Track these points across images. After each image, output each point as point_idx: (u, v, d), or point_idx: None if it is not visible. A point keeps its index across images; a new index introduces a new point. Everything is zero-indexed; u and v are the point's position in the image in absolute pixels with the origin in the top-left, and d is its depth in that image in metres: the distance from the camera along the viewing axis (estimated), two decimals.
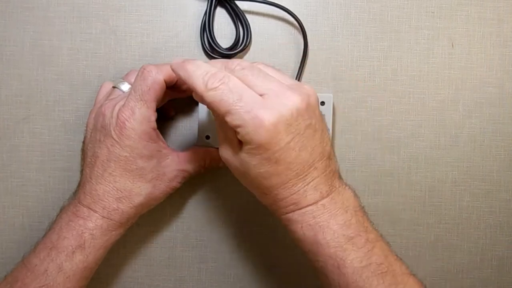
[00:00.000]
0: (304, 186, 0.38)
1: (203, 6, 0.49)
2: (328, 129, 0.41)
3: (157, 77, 0.42)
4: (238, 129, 0.36)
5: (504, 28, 0.50)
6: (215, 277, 0.51)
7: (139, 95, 0.41)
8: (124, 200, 0.42)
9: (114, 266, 0.50)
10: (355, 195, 0.41)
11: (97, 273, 0.44)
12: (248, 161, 0.38)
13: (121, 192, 0.42)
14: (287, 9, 0.48)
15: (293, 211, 0.39)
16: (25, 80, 0.49)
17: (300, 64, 0.49)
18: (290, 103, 0.37)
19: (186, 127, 0.50)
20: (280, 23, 0.50)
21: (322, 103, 0.48)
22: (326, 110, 0.48)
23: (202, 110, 0.48)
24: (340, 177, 0.41)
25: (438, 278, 0.51)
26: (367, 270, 0.38)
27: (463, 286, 0.51)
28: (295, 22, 0.49)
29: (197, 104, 0.49)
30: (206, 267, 0.51)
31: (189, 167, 0.46)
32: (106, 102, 0.44)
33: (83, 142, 0.45)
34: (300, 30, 0.49)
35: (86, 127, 0.45)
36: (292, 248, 0.51)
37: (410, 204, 0.51)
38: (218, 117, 0.40)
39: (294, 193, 0.38)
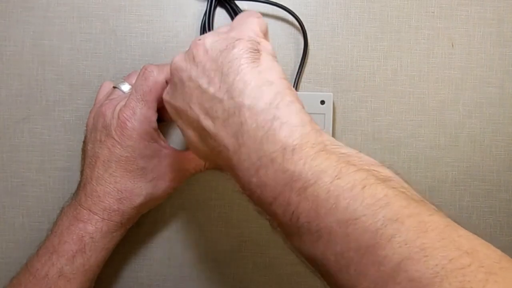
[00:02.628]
0: (217, 142, 0.33)
1: (203, 6, 0.49)
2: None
3: (158, 77, 0.42)
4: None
5: (504, 28, 0.50)
6: (215, 277, 0.51)
7: (140, 95, 0.41)
8: (124, 201, 0.42)
9: (114, 266, 0.50)
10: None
11: (97, 275, 0.44)
12: (183, 134, 0.37)
13: (122, 192, 0.42)
14: (287, 8, 0.48)
15: (252, 175, 0.31)
16: (25, 80, 0.49)
17: (300, 64, 0.49)
18: (171, 68, 0.37)
19: None
20: (280, 23, 0.50)
21: (322, 102, 0.48)
22: (326, 110, 0.48)
23: None
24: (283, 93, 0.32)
25: None
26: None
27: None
28: (295, 22, 0.49)
29: None
30: (206, 267, 0.51)
31: (189, 166, 0.46)
32: (106, 102, 0.44)
33: (83, 142, 0.45)
34: (300, 30, 0.49)
35: (86, 127, 0.45)
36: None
37: None
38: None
39: (232, 154, 0.32)
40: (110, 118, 0.42)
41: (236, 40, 0.33)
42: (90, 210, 0.42)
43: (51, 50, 0.49)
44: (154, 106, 0.42)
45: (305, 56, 0.49)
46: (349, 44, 0.50)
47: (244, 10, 0.49)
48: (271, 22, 0.50)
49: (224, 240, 0.51)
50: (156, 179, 0.44)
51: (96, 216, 0.42)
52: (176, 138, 0.50)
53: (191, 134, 0.35)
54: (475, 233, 0.53)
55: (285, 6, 0.48)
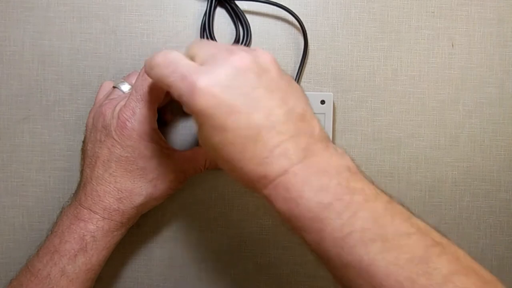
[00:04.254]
0: (268, 155, 0.33)
1: (203, 6, 0.49)
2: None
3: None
4: (180, 101, 0.34)
5: (504, 28, 0.50)
6: (215, 277, 0.51)
7: (140, 95, 0.41)
8: (124, 201, 0.42)
9: (114, 266, 0.50)
10: (343, 154, 0.35)
11: (98, 274, 0.44)
12: (201, 135, 0.34)
13: (122, 192, 0.42)
14: (287, 8, 0.48)
15: (266, 185, 0.34)
16: (25, 80, 0.49)
17: (300, 64, 0.49)
18: (227, 64, 0.33)
19: (186, 128, 0.50)
20: (280, 23, 0.50)
21: (322, 102, 0.48)
22: (326, 109, 0.48)
23: None
24: (325, 140, 0.35)
25: None
26: (349, 239, 0.32)
27: None
28: (295, 22, 0.49)
29: None
30: (206, 267, 0.51)
31: (190, 167, 0.46)
32: (106, 102, 0.44)
33: (83, 142, 0.45)
34: (300, 30, 0.49)
35: (86, 127, 0.45)
36: (292, 248, 0.51)
37: (410, 204, 0.51)
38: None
39: (259, 163, 0.33)
40: (110, 118, 0.42)
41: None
42: (90, 210, 0.42)
43: (51, 50, 0.49)
44: (154, 106, 0.42)
45: (305, 56, 0.49)
46: (349, 44, 0.50)
47: (244, 10, 0.49)
48: (271, 22, 0.50)
49: (224, 240, 0.51)
50: (156, 179, 0.44)
51: (96, 215, 0.42)
52: (176, 138, 0.50)
53: (219, 137, 0.34)
54: (475, 233, 0.53)
55: (285, 6, 0.48)
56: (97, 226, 0.42)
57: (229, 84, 0.32)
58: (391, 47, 0.50)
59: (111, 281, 0.50)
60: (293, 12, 0.48)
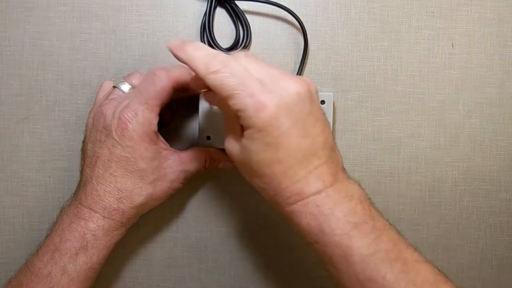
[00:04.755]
0: (307, 175, 0.37)
1: (203, 6, 0.49)
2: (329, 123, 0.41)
3: (166, 84, 0.42)
4: (240, 113, 0.36)
5: (504, 28, 0.50)
6: (215, 277, 0.51)
7: (144, 98, 0.42)
8: (124, 200, 0.42)
9: (114, 266, 0.50)
10: (360, 187, 0.40)
11: (98, 273, 0.44)
12: (249, 146, 0.37)
13: (122, 192, 0.42)
14: (287, 8, 0.48)
15: (296, 201, 0.38)
16: (25, 80, 0.49)
17: (300, 64, 0.49)
18: (291, 88, 0.36)
19: (186, 128, 0.50)
20: (280, 23, 0.50)
21: (322, 102, 0.48)
22: (326, 109, 0.48)
23: (202, 111, 0.48)
24: (344, 170, 0.40)
25: None
26: (375, 257, 0.36)
27: (463, 286, 0.51)
28: (295, 22, 0.49)
29: (197, 105, 0.49)
30: (206, 267, 0.51)
31: (190, 167, 0.46)
32: (106, 102, 0.44)
33: (83, 142, 0.45)
34: (300, 30, 0.49)
35: (86, 127, 0.45)
36: (292, 248, 0.51)
37: (410, 204, 0.51)
38: (221, 102, 0.40)
39: (296, 182, 0.37)
40: (110, 119, 0.42)
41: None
42: (90, 209, 0.42)
43: (51, 50, 0.49)
44: (157, 110, 0.42)
45: (305, 56, 0.49)
46: (349, 44, 0.50)
47: (244, 10, 0.49)
48: (271, 22, 0.50)
49: (224, 240, 0.51)
50: (157, 180, 0.44)
51: (97, 214, 0.42)
52: (176, 139, 0.50)
53: (269, 154, 0.37)
54: (475, 233, 0.53)
55: (285, 6, 0.48)
56: (97, 225, 0.42)
57: (292, 108, 0.36)
58: (391, 47, 0.50)
59: (111, 281, 0.50)
60: (293, 12, 0.48)
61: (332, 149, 0.39)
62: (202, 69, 0.36)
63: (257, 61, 0.38)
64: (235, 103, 0.36)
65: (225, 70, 0.36)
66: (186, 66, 0.39)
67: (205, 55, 0.37)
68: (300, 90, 0.37)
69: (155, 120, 0.42)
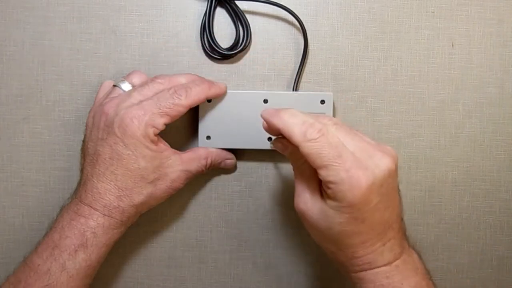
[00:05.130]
0: (381, 246, 0.38)
1: (203, 6, 0.49)
2: None
3: (185, 103, 0.43)
4: (332, 185, 0.36)
5: (504, 28, 0.50)
6: (215, 277, 0.51)
7: (158, 106, 0.42)
8: (124, 199, 0.42)
9: (114, 266, 0.50)
10: (419, 256, 0.41)
11: (97, 273, 0.44)
12: (334, 217, 0.37)
13: (122, 190, 0.42)
14: (287, 8, 0.48)
15: (366, 270, 0.39)
16: (25, 80, 0.49)
17: (300, 64, 0.49)
18: (383, 165, 0.37)
19: (187, 128, 0.50)
20: (280, 23, 0.50)
21: (322, 102, 0.48)
22: (326, 109, 0.48)
23: (202, 111, 0.48)
24: (406, 237, 0.41)
25: (438, 278, 0.51)
26: None
27: (463, 286, 0.51)
28: (295, 22, 0.49)
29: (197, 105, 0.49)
30: (206, 267, 0.51)
31: (191, 167, 0.46)
32: (107, 100, 0.44)
33: (83, 141, 0.45)
34: (300, 30, 0.49)
35: (86, 126, 0.45)
36: (292, 248, 0.51)
37: (410, 204, 0.51)
38: (293, 154, 0.40)
39: (371, 252, 0.38)
40: (112, 116, 0.42)
41: None
42: (90, 206, 0.42)
43: (51, 50, 0.49)
44: (166, 119, 0.43)
45: (305, 56, 0.49)
46: (349, 44, 0.50)
47: (244, 10, 0.49)
48: (271, 22, 0.50)
49: (224, 240, 0.51)
50: (157, 180, 0.44)
51: (97, 212, 0.42)
52: (177, 139, 0.50)
53: (353, 226, 0.37)
54: (475, 233, 0.53)
55: (285, 6, 0.48)
56: (97, 223, 0.42)
57: (382, 184, 0.37)
58: (391, 47, 0.50)
59: (111, 281, 0.50)
60: (293, 12, 0.48)
61: (401, 217, 0.40)
62: (299, 136, 0.37)
63: (349, 131, 0.38)
64: (330, 174, 0.36)
65: (322, 139, 0.36)
66: (201, 84, 0.44)
67: (302, 123, 0.37)
68: (391, 167, 0.37)
69: (160, 126, 0.42)
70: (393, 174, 0.37)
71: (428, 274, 0.41)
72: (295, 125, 0.37)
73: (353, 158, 0.36)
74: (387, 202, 0.38)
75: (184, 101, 0.43)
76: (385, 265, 0.39)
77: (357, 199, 0.36)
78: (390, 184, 0.37)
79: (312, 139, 0.36)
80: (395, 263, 0.39)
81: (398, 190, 0.40)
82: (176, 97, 0.43)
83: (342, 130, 0.38)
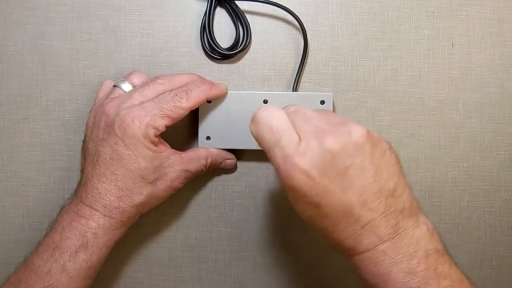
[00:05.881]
0: (359, 229, 0.35)
1: (203, 6, 0.49)
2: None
3: (185, 106, 0.43)
4: (276, 172, 0.36)
5: (504, 28, 0.50)
6: (215, 277, 0.51)
7: (159, 108, 0.42)
8: (125, 199, 0.42)
9: (114, 266, 0.50)
10: (432, 233, 0.37)
11: (98, 273, 0.44)
12: (294, 204, 0.37)
13: (123, 191, 0.42)
14: (287, 8, 0.48)
15: (353, 255, 0.37)
16: (25, 80, 0.49)
17: (300, 64, 0.49)
18: (323, 147, 0.34)
19: (187, 129, 0.50)
20: (280, 23, 0.50)
21: (322, 102, 0.48)
22: (326, 109, 0.48)
23: (202, 112, 0.48)
24: (413, 215, 0.36)
25: None
26: None
27: None
28: (295, 22, 0.49)
29: None
30: (206, 267, 0.51)
31: (191, 167, 0.46)
32: (108, 100, 0.44)
33: (83, 141, 0.45)
34: (300, 30, 0.49)
35: (86, 126, 0.45)
36: (292, 248, 0.51)
37: None
38: None
39: (348, 237, 0.36)
40: (113, 116, 0.42)
41: (389, 144, 0.38)
42: (91, 207, 0.42)
43: (51, 50, 0.49)
44: (167, 121, 0.43)
45: (305, 56, 0.49)
46: (349, 44, 0.50)
47: (244, 10, 0.49)
48: (271, 22, 0.50)
49: (224, 240, 0.51)
50: (157, 180, 0.44)
51: (97, 213, 0.42)
52: (176, 140, 0.50)
53: (313, 211, 0.36)
54: (475, 233, 0.53)
55: (285, 6, 0.48)
56: (98, 224, 0.42)
57: (325, 167, 0.34)
58: (391, 47, 0.50)
59: (111, 281, 0.50)
60: (293, 12, 0.48)
61: (394, 194, 0.36)
62: (251, 119, 0.38)
63: (306, 115, 0.37)
64: (271, 160, 0.36)
65: (267, 124, 0.36)
66: (201, 85, 0.44)
67: (260, 108, 0.38)
68: (333, 147, 0.34)
69: (161, 127, 0.42)
70: (339, 154, 0.34)
71: (438, 251, 0.36)
72: (256, 111, 0.38)
73: (292, 146, 0.35)
74: (345, 183, 0.35)
75: (185, 104, 0.43)
76: (369, 250, 0.36)
77: (297, 184, 0.34)
78: (340, 165, 0.35)
79: (256, 123, 0.37)
80: (381, 247, 0.35)
81: (376, 166, 0.36)
82: (177, 100, 0.43)
83: (298, 114, 0.37)
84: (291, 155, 0.35)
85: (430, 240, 0.36)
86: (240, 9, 0.49)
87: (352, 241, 0.36)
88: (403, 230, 0.36)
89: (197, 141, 0.48)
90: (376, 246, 0.36)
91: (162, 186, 0.44)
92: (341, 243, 0.37)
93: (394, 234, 0.36)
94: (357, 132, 0.36)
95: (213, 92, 0.46)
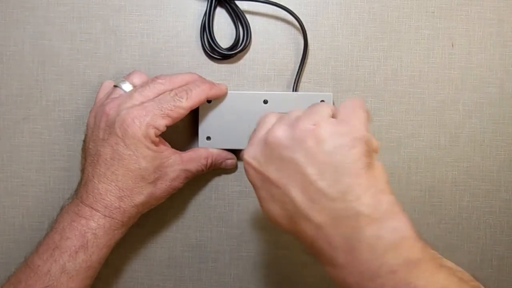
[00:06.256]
0: (314, 234, 0.34)
1: (203, 6, 0.49)
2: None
3: (185, 105, 0.43)
4: None
5: (504, 28, 0.50)
6: (215, 277, 0.51)
7: (160, 107, 0.42)
8: (125, 199, 0.43)
9: (114, 266, 0.50)
10: (402, 242, 0.31)
11: (98, 273, 0.44)
12: (260, 203, 0.38)
13: (123, 191, 0.42)
14: (287, 8, 0.48)
15: (301, 242, 0.36)
16: (25, 80, 0.49)
17: (300, 64, 0.49)
18: (263, 139, 0.36)
19: (187, 129, 0.50)
20: (280, 23, 0.50)
21: (322, 102, 0.48)
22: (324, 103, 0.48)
23: (202, 112, 0.48)
24: (375, 223, 0.32)
25: None
26: None
27: None
28: (295, 22, 0.49)
29: None
30: (206, 267, 0.51)
31: (191, 166, 0.46)
32: (108, 101, 0.44)
33: (84, 141, 0.45)
34: (300, 30, 0.49)
35: (87, 126, 0.45)
36: (292, 248, 0.51)
37: (410, 204, 0.51)
38: None
39: (309, 241, 0.35)
40: (114, 116, 0.42)
41: (355, 139, 0.33)
42: (91, 207, 0.42)
43: (51, 50, 0.49)
44: (167, 121, 0.43)
45: (305, 56, 0.49)
46: (349, 44, 0.50)
47: (244, 10, 0.49)
48: (271, 22, 0.50)
49: (224, 240, 0.51)
50: (157, 179, 0.44)
51: (98, 213, 0.42)
52: (176, 140, 0.50)
53: (275, 207, 0.36)
54: (475, 233, 0.53)
55: (285, 6, 0.48)
56: (98, 224, 0.42)
57: (264, 158, 0.35)
58: (391, 47, 0.50)
59: (111, 281, 0.50)
60: (293, 12, 0.48)
61: (346, 199, 0.32)
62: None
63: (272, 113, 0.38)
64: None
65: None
66: (202, 85, 0.44)
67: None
68: (272, 139, 0.35)
69: (162, 127, 0.42)
70: (277, 148, 0.34)
71: (409, 263, 0.31)
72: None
73: (253, 139, 0.37)
74: (286, 179, 0.34)
75: (185, 104, 0.43)
76: (329, 262, 0.33)
77: (248, 176, 0.37)
78: (279, 158, 0.34)
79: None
80: (339, 260, 0.32)
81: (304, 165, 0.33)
82: (178, 99, 0.43)
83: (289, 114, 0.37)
84: (246, 147, 0.37)
85: (398, 252, 0.31)
86: (240, 9, 0.49)
87: (314, 249, 0.34)
88: (358, 242, 0.31)
89: (197, 141, 0.48)
90: (332, 257, 0.32)
91: (162, 186, 0.44)
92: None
93: (347, 246, 0.32)
94: (302, 126, 0.34)
95: (213, 92, 0.46)
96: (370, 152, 0.34)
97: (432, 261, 0.32)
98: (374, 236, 0.31)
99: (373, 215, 0.32)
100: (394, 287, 0.30)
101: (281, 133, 0.34)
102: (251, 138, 0.37)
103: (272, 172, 0.35)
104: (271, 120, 0.37)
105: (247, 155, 0.36)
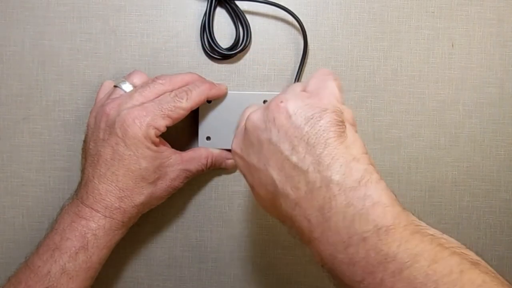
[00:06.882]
0: (292, 211, 0.33)
1: (203, 6, 0.49)
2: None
3: (186, 106, 0.43)
4: None
5: (504, 28, 0.50)
6: (215, 277, 0.51)
7: (160, 108, 0.42)
8: (126, 199, 0.43)
9: (114, 266, 0.50)
10: (373, 207, 0.31)
11: (98, 273, 0.44)
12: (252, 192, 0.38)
13: (123, 191, 0.42)
14: (287, 9, 0.48)
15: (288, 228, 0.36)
16: (25, 80, 0.49)
17: (300, 64, 0.49)
18: (243, 126, 0.37)
19: (187, 129, 0.50)
20: (280, 23, 0.50)
21: None
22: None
23: (202, 112, 0.48)
24: (343, 192, 0.31)
25: None
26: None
27: None
28: (295, 22, 0.49)
29: None
30: (206, 267, 0.51)
31: (191, 166, 0.46)
32: (109, 101, 0.44)
33: (84, 142, 0.45)
34: (300, 30, 0.49)
35: (87, 126, 0.45)
36: (292, 248, 0.51)
37: (410, 204, 0.51)
38: None
39: (289, 220, 0.34)
40: (114, 117, 0.42)
41: (323, 110, 0.33)
42: (92, 208, 0.42)
43: (51, 50, 0.49)
44: (168, 121, 0.43)
45: (305, 56, 0.49)
46: (349, 44, 0.50)
47: (244, 10, 0.49)
48: (271, 22, 0.50)
49: (224, 240, 0.51)
50: (158, 179, 0.44)
51: (98, 214, 0.42)
52: (176, 141, 0.50)
53: (261, 192, 0.36)
54: (475, 233, 0.53)
55: (285, 6, 0.48)
56: (98, 225, 0.42)
57: (244, 145, 0.36)
58: (391, 47, 0.50)
59: (111, 281, 0.50)
60: (293, 12, 0.48)
61: (320, 170, 0.32)
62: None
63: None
64: None
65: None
66: (202, 85, 0.45)
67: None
68: (247, 125, 0.36)
69: (162, 128, 0.43)
70: (252, 133, 0.35)
71: (380, 229, 0.30)
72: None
73: (236, 130, 0.39)
74: (264, 161, 0.34)
75: (185, 104, 0.43)
76: (310, 238, 0.33)
77: (236, 164, 0.38)
78: (254, 142, 0.35)
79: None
80: (315, 234, 0.32)
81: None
82: (178, 100, 0.43)
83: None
84: (233, 140, 0.38)
85: (368, 218, 0.30)
86: (240, 9, 0.49)
87: (295, 229, 0.33)
88: (329, 211, 0.31)
89: (197, 141, 0.48)
90: (310, 232, 0.32)
91: (163, 186, 0.44)
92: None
93: (321, 217, 0.31)
94: (272, 106, 0.34)
95: (213, 92, 0.46)
96: (342, 122, 0.33)
97: (405, 228, 0.30)
98: (344, 204, 0.30)
99: (344, 183, 0.31)
100: (365, 256, 0.30)
101: (255, 116, 0.36)
102: (235, 131, 0.39)
103: (253, 157, 0.35)
104: (250, 109, 0.38)
105: (233, 146, 0.38)
